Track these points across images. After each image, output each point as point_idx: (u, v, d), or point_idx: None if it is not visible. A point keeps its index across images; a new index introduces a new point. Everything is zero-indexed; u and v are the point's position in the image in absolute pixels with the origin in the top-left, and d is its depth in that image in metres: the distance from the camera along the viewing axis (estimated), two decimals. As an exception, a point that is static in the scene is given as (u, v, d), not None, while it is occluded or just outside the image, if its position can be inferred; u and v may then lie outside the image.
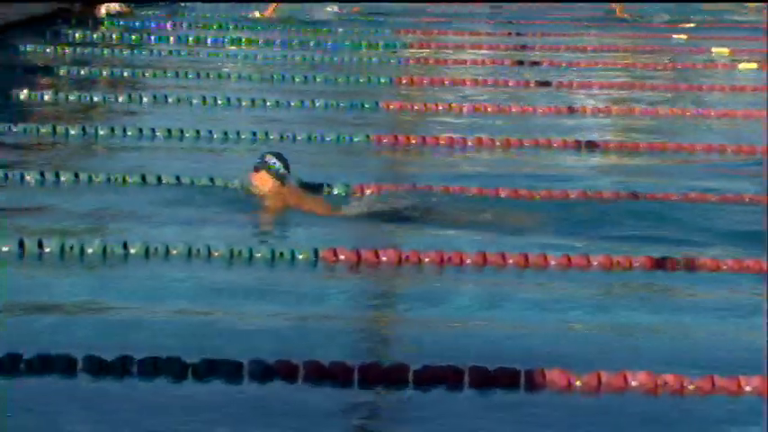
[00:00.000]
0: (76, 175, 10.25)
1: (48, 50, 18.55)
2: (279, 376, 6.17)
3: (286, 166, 9.63)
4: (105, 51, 18.93)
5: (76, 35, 20.19)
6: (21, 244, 8.22)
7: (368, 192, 10.10)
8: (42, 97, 14.55)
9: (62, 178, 10.21)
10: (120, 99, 14.64)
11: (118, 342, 6.46)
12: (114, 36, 20.62)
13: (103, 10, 22.46)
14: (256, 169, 9.63)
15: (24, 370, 6.04)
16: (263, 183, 9.62)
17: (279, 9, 25.32)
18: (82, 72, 16.70)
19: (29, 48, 18.57)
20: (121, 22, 22.06)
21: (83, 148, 12.01)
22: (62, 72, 16.64)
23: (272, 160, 9.66)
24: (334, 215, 9.57)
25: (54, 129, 12.44)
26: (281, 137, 12.42)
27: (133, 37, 20.65)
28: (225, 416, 5.74)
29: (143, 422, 5.62)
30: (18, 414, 5.61)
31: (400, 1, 26.64)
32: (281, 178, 9.60)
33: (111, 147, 12.07)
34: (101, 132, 12.41)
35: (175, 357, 6.13)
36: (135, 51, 19.06)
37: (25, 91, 14.58)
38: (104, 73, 16.74)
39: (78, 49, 18.88)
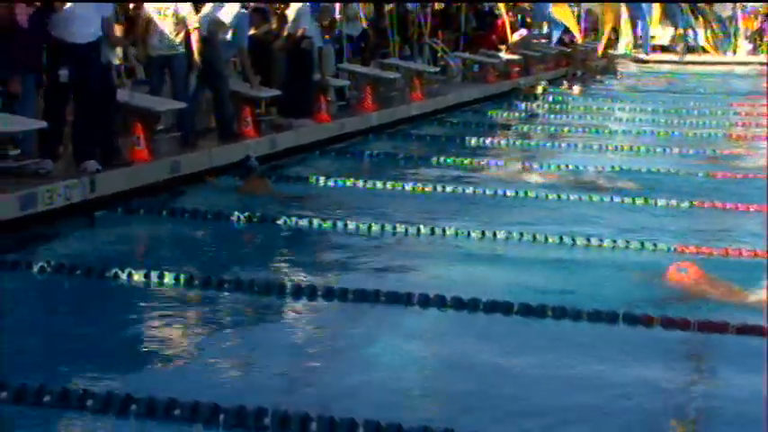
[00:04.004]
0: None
1: (504, 114, 18.74)
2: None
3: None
4: (539, 116, 18.97)
5: (522, 105, 20.32)
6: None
7: None
8: (499, 143, 14.74)
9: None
10: (548, 145, 14.63)
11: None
12: (547, 105, 20.61)
13: (540, 88, 22.43)
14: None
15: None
16: None
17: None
18: (525, 128, 16.80)
19: (492, 113, 18.84)
20: (549, 97, 21.99)
21: (520, 173, 11.98)
22: (511, 129, 16.79)
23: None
24: None
25: (505, 164, 12.57)
26: (649, 170, 12.04)
27: (557, 107, 20.56)
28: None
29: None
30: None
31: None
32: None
33: (540, 174, 12.03)
34: (534, 166, 12.46)
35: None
36: (557, 115, 18.95)
37: (489, 139, 14.83)
38: (538, 129, 16.80)
39: (522, 114, 18.97)
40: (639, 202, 10.08)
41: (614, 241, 8.18)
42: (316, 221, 8.74)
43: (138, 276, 6.82)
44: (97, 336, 5.90)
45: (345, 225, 8.68)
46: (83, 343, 5.75)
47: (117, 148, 9.58)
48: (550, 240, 8.27)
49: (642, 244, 8.12)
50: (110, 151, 9.39)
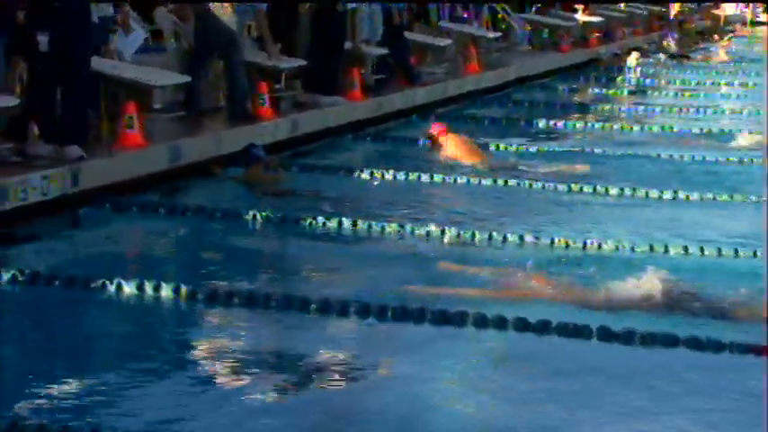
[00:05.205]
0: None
1: (580, 89, 18.67)
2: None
3: None
4: (624, 90, 18.87)
5: (602, 78, 20.22)
6: None
7: None
8: (574, 126, 14.67)
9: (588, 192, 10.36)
10: (635, 129, 14.52)
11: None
12: (632, 80, 20.46)
13: (630, 59, 22.20)
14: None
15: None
16: None
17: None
18: (605, 107, 16.71)
19: (565, 86, 18.74)
20: (637, 69, 21.84)
21: (599, 166, 11.86)
22: (588, 109, 16.71)
23: None
24: None
25: (582, 150, 12.53)
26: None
27: (647, 80, 20.41)
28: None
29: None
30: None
31: None
32: None
33: (623, 167, 11.93)
34: (617, 153, 12.38)
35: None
36: (644, 93, 18.81)
37: (561, 122, 14.77)
38: (620, 107, 16.71)
39: (603, 89, 18.88)
40: (739, 199, 10.01)
41: (702, 250, 8.13)
42: (346, 222, 8.72)
43: (129, 288, 6.83)
44: (81, 361, 5.92)
45: (383, 229, 8.64)
46: (66, 370, 5.76)
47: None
48: (639, 250, 8.16)
49: (755, 252, 8.04)
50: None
